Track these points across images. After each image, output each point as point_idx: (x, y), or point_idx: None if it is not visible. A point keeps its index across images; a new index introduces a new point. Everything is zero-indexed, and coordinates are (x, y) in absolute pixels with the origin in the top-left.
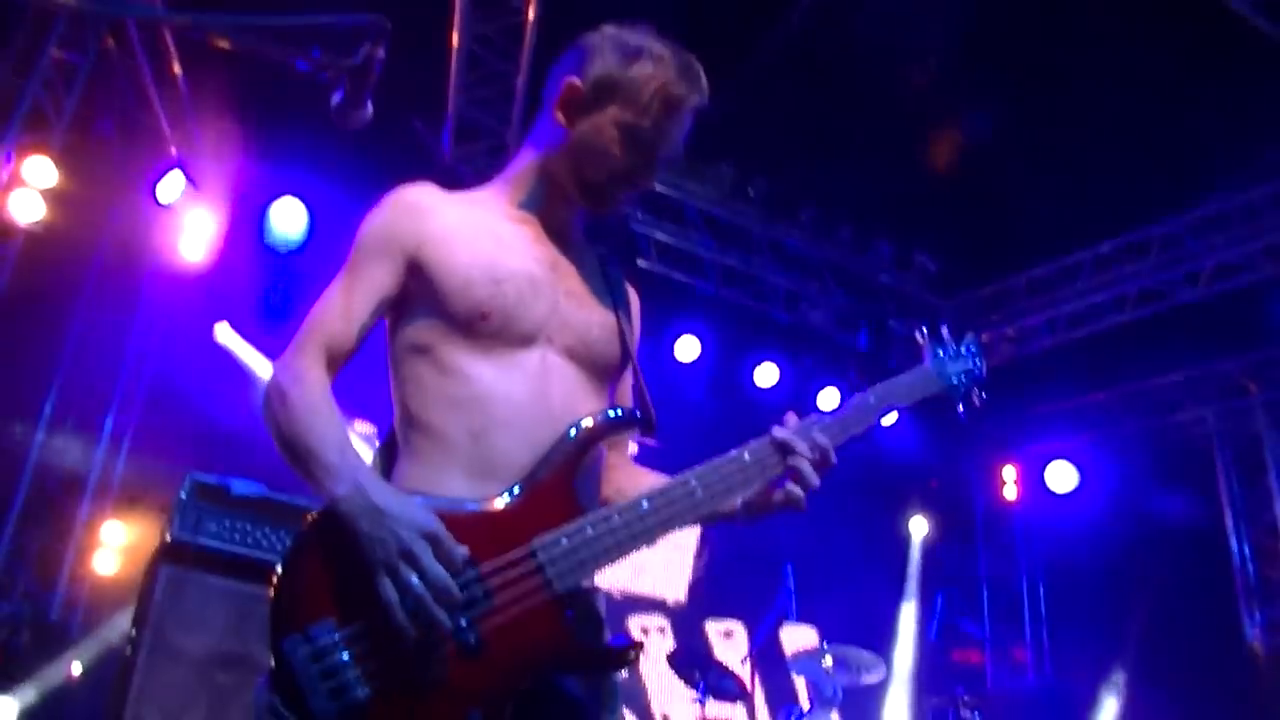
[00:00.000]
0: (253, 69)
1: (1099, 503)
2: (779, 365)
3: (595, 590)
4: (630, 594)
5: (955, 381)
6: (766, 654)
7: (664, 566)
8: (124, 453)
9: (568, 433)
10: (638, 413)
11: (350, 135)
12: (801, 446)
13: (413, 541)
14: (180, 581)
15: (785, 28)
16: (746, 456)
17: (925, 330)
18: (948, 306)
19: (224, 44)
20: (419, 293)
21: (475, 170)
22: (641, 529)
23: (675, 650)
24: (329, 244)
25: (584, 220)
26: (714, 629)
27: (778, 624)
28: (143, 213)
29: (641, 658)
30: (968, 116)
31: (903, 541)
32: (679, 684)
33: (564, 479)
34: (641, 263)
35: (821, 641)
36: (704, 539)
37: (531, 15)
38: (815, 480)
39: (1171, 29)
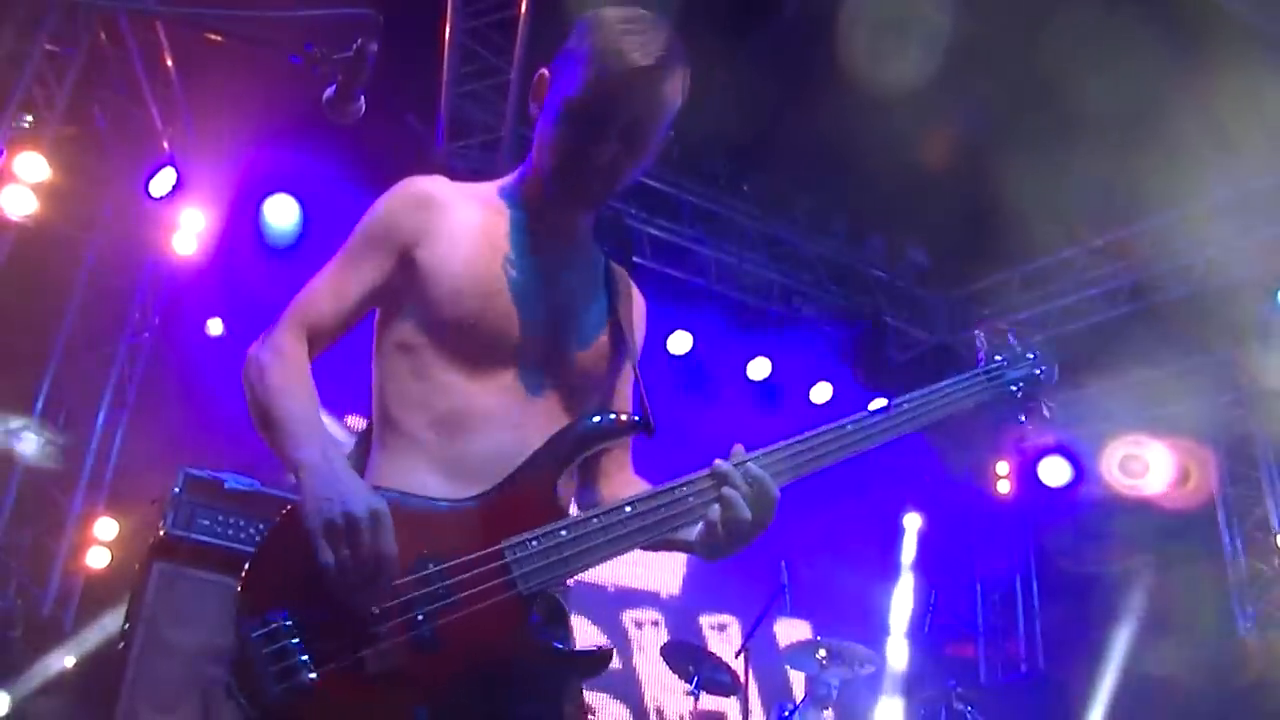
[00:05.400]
0: (246, 63)
1: (1091, 497)
2: (772, 360)
3: (567, 594)
4: (624, 587)
5: (1014, 389)
6: (759, 647)
7: (659, 560)
8: (116, 448)
9: (558, 435)
10: (637, 417)
11: (343, 129)
12: (736, 478)
13: (358, 513)
14: (173, 576)
15: (778, 22)
16: (685, 488)
17: (983, 334)
18: (940, 301)
19: (217, 37)
20: (409, 290)
21: (468, 165)
22: (621, 534)
23: (669, 643)
24: (322, 238)
25: (589, 220)
26: (708, 622)
27: (771, 617)
28: (135, 207)
29: (636, 650)
30: (960, 111)
31: (897, 536)
32: (672, 677)
33: (546, 481)
34: (635, 258)
35: (815, 635)
36: None
37: (524, 8)
38: (745, 513)
39: (1163, 23)
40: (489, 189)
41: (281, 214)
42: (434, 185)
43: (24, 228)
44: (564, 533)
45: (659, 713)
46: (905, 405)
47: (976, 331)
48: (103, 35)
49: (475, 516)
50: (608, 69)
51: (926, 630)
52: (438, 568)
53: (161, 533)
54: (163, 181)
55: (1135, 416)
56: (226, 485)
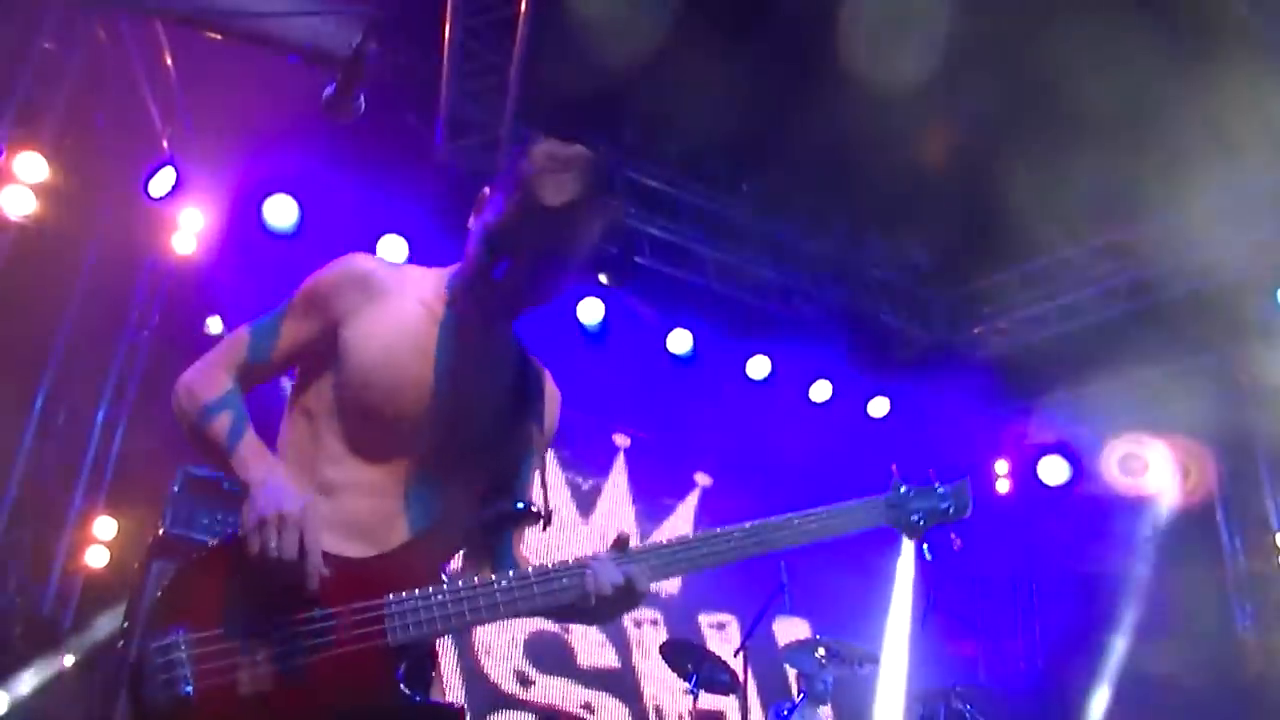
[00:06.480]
0: (245, 62)
1: (1090, 495)
2: (771, 358)
3: (435, 654)
4: None
5: (915, 518)
6: (758, 646)
7: None
8: (116, 447)
9: (456, 519)
10: (531, 507)
11: (343, 129)
12: (606, 573)
13: (290, 509)
14: None
15: (778, 22)
16: (560, 572)
17: (897, 465)
18: (940, 300)
19: (217, 37)
20: (326, 362)
21: (468, 164)
22: (488, 604)
23: (668, 642)
24: (322, 238)
25: (516, 318)
26: (707, 621)
27: (771, 616)
28: (135, 207)
29: (635, 649)
30: (960, 110)
31: (896, 535)
32: (671, 675)
33: (437, 553)
34: (636, 258)
35: (815, 634)
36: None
37: (524, 7)
38: (607, 597)
39: (1164, 23)
40: (436, 281)
41: (281, 214)
42: (375, 269)
43: (24, 227)
44: (440, 596)
45: (658, 711)
46: (796, 520)
47: (893, 465)
48: (102, 35)
49: (365, 573)
50: (521, 205)
51: (926, 629)
52: (323, 611)
53: (161, 531)
54: (162, 181)
55: (1135, 416)
56: (226, 484)
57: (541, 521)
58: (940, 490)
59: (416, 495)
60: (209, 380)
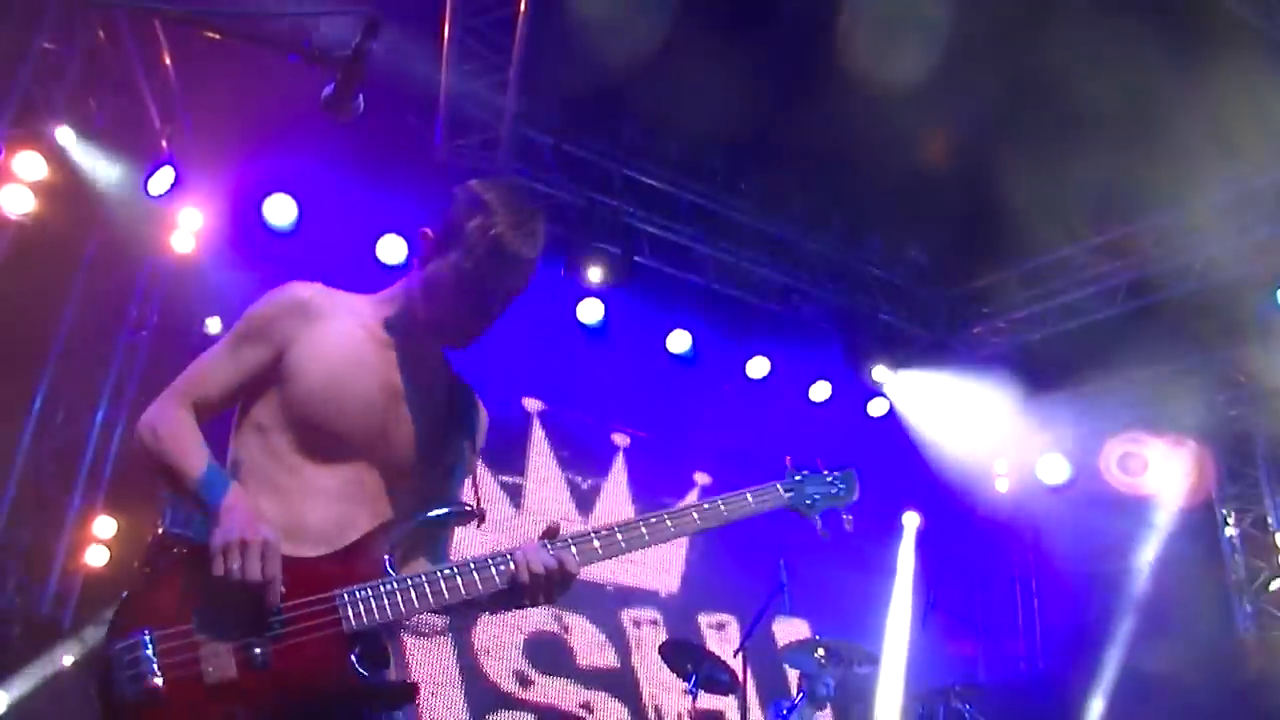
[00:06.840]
0: (245, 62)
1: (1090, 495)
2: (770, 358)
3: (389, 637)
4: (623, 587)
5: (809, 501)
6: (758, 646)
7: (657, 559)
8: (115, 446)
9: (400, 520)
10: (466, 508)
11: (342, 128)
12: (539, 561)
13: (251, 539)
14: None
15: (777, 21)
16: (495, 561)
17: (790, 457)
18: (939, 299)
19: (216, 36)
20: (274, 380)
21: (467, 163)
22: (434, 591)
23: (667, 642)
24: (321, 237)
25: (448, 348)
26: (706, 621)
27: (770, 616)
28: (134, 206)
29: (634, 649)
30: (959, 110)
31: (896, 535)
32: (671, 676)
33: (380, 550)
34: (635, 257)
35: (814, 634)
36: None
37: (523, 7)
38: (541, 581)
39: (1164, 23)
40: (373, 308)
41: (280, 213)
42: (313, 295)
43: (23, 226)
44: (388, 587)
45: (657, 711)
46: (706, 506)
47: (786, 455)
48: (101, 34)
49: (320, 570)
50: (502, 258)
51: (925, 629)
52: (282, 606)
53: (160, 531)
54: (161, 180)
55: (1135, 415)
56: None
57: (476, 519)
58: (830, 477)
59: (363, 499)
60: (177, 427)
